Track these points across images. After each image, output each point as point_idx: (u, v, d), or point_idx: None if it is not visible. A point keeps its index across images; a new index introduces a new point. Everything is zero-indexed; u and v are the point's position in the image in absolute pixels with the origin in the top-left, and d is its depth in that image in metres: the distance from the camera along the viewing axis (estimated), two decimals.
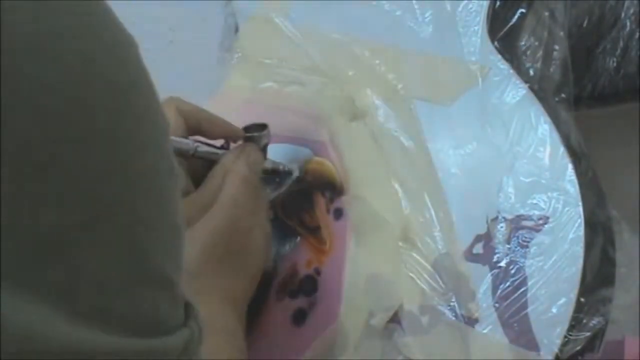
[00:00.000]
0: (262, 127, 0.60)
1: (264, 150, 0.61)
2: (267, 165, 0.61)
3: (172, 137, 0.54)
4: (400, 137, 0.65)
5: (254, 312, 0.61)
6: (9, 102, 0.23)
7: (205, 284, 0.51)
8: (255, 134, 0.59)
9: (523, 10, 0.67)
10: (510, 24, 0.67)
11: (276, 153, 0.67)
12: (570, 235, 0.58)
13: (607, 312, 0.57)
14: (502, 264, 0.58)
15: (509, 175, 0.61)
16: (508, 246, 0.59)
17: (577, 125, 0.63)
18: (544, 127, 0.62)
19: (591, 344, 0.56)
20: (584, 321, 0.56)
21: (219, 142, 0.60)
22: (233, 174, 0.56)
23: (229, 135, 0.59)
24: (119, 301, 0.27)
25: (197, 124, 0.57)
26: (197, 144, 0.56)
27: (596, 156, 0.62)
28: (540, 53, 0.66)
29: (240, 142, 0.60)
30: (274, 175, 0.62)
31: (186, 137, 0.56)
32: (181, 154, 0.55)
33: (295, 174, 0.63)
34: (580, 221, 0.58)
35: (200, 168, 0.57)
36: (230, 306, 0.53)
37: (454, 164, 0.63)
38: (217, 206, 0.54)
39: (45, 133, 0.24)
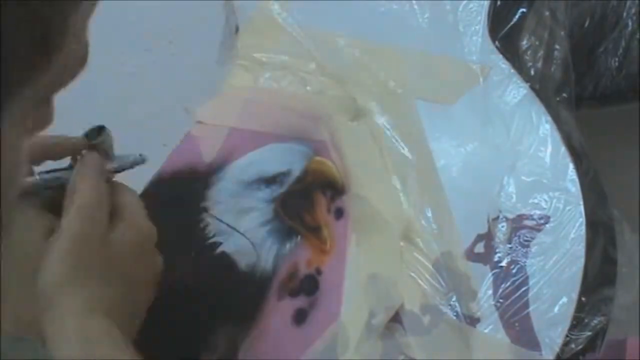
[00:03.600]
0: (101, 129, 0.58)
1: (110, 151, 0.58)
2: (113, 165, 0.58)
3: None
4: (401, 136, 0.65)
5: (254, 312, 0.61)
6: None
7: (71, 293, 0.49)
8: (96, 141, 0.57)
9: (524, 10, 0.67)
10: (511, 23, 0.67)
11: (277, 153, 0.67)
12: (572, 235, 0.58)
13: (608, 311, 0.57)
14: (503, 263, 0.58)
15: (510, 174, 0.61)
16: (509, 246, 0.59)
17: (578, 125, 0.63)
18: (545, 127, 0.62)
19: (592, 344, 0.56)
20: (585, 321, 0.56)
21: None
22: (76, 189, 0.54)
23: (72, 149, 0.57)
24: None
25: (41, 152, 0.56)
26: (38, 176, 0.54)
27: (597, 156, 0.62)
28: (541, 53, 0.66)
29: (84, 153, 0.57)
30: (125, 170, 0.60)
31: (32, 174, 0.54)
32: (33, 192, 0.53)
33: (146, 159, 0.60)
34: (581, 221, 0.58)
35: (59, 196, 0.55)
36: (101, 314, 0.50)
37: (455, 164, 0.63)
38: (67, 219, 0.52)
39: None
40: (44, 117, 0.36)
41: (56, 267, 0.50)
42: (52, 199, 0.55)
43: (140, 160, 0.60)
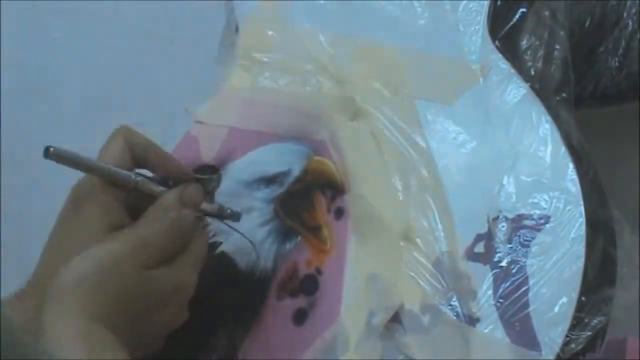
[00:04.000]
0: (214, 170, 0.59)
1: (211, 194, 0.58)
2: (208, 208, 0.58)
3: (115, 168, 0.52)
4: (401, 136, 0.65)
5: (254, 312, 0.61)
6: None
7: (80, 296, 0.46)
8: (204, 176, 0.58)
9: (524, 10, 0.67)
10: (511, 23, 0.67)
11: (277, 153, 0.67)
12: (572, 235, 0.58)
13: (609, 311, 0.57)
14: (503, 263, 0.58)
15: (510, 174, 0.61)
16: (509, 245, 0.59)
17: (578, 125, 0.63)
18: (545, 127, 0.62)
19: (592, 344, 0.56)
20: (585, 320, 0.56)
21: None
22: (158, 205, 0.52)
23: (177, 174, 0.56)
24: None
25: (145, 157, 0.54)
26: (139, 177, 0.53)
27: (597, 156, 0.62)
28: (541, 52, 0.66)
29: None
30: (216, 218, 0.60)
31: (131, 170, 0.53)
32: (122, 185, 0.52)
33: (241, 217, 0.61)
34: (581, 220, 0.58)
35: (143, 201, 0.54)
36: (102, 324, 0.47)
37: (455, 163, 0.63)
38: (138, 223, 0.51)
39: None
40: None
41: (87, 264, 0.47)
42: (133, 198, 0.54)
43: (235, 217, 0.60)
